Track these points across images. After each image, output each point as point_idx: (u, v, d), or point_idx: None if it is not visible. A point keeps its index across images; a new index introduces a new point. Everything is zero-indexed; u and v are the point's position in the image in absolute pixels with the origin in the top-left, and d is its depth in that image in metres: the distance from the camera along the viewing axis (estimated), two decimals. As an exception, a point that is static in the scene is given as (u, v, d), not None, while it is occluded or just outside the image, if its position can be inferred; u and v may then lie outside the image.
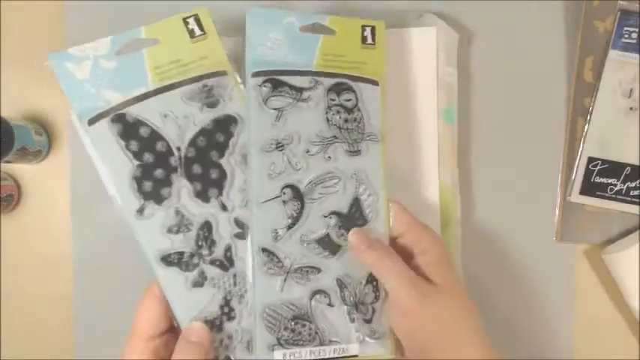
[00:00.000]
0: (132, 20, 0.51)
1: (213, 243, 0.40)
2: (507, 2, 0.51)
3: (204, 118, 0.41)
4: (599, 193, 0.49)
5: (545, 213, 0.51)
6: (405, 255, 0.41)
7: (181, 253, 0.40)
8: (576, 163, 0.50)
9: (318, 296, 0.41)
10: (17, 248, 0.52)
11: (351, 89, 0.42)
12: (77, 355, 0.52)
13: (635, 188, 0.49)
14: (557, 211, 0.51)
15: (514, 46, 0.51)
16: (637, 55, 0.48)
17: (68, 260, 0.52)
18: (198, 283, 0.40)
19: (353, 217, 0.42)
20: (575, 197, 0.50)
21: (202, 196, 0.40)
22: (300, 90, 0.41)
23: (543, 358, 0.51)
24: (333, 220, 0.41)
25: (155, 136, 0.40)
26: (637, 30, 0.48)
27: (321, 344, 0.40)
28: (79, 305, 0.52)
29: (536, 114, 0.51)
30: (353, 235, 0.41)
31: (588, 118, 0.49)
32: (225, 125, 0.41)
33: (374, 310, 0.41)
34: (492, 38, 0.51)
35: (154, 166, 0.40)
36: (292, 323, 0.40)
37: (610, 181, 0.49)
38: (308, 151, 0.41)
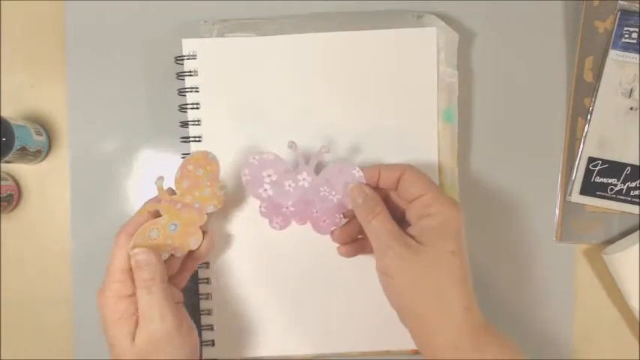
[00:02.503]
0: (132, 20, 0.52)
1: None
2: (507, 2, 0.51)
3: None
4: (599, 193, 0.49)
5: (545, 213, 0.51)
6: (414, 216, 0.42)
7: None
8: (576, 163, 0.50)
9: None
10: (17, 248, 0.52)
11: None
12: (77, 355, 0.52)
13: (635, 188, 0.49)
14: (557, 211, 0.51)
15: (514, 46, 0.51)
16: (637, 55, 0.48)
17: (68, 260, 0.52)
18: None
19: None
20: (576, 197, 0.50)
21: None
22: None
23: (543, 357, 0.51)
24: None
25: None
26: (637, 30, 0.48)
27: None
28: (79, 305, 0.52)
29: (536, 114, 0.51)
30: (353, 188, 0.43)
31: (588, 118, 0.49)
32: None
33: None
34: (492, 38, 0.51)
35: None
36: None
37: (610, 181, 0.49)
38: None
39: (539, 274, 0.51)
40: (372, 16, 0.50)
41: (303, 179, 0.45)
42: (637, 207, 0.49)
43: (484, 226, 0.51)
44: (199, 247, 0.45)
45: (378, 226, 0.41)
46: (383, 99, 0.49)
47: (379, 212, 0.42)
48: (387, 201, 0.44)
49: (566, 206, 0.50)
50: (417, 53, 0.49)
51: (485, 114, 0.51)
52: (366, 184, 0.44)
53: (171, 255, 0.44)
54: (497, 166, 0.51)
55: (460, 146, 0.50)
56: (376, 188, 0.44)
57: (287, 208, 0.46)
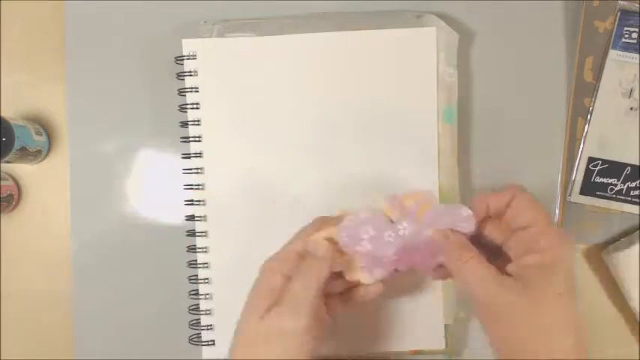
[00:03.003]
0: (132, 20, 0.52)
1: None
2: (507, 2, 0.51)
3: None
4: (599, 193, 0.49)
5: (545, 213, 0.51)
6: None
7: None
8: (576, 163, 0.50)
9: None
10: (17, 248, 0.52)
11: None
12: (77, 355, 0.52)
13: (635, 188, 0.49)
14: (557, 211, 0.51)
15: (514, 46, 0.51)
16: (637, 55, 0.48)
17: (67, 260, 0.52)
18: None
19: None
20: (576, 197, 0.50)
21: None
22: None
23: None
24: None
25: None
26: (637, 30, 0.48)
27: None
28: (79, 305, 0.52)
29: (536, 114, 0.51)
30: (434, 235, 0.40)
31: (588, 118, 0.49)
32: None
33: None
34: (492, 38, 0.51)
35: None
36: None
37: (610, 181, 0.49)
38: None
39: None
40: (372, 16, 0.50)
41: (404, 228, 0.41)
42: (637, 207, 0.49)
43: (484, 226, 0.51)
44: (369, 285, 0.42)
45: (469, 273, 0.37)
46: (383, 99, 0.49)
47: (468, 259, 0.38)
48: (485, 226, 0.40)
49: (566, 206, 0.50)
50: (417, 53, 0.49)
51: (485, 114, 0.51)
52: (450, 230, 0.40)
53: (339, 274, 0.42)
54: (497, 166, 0.51)
55: (460, 146, 0.50)
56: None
57: (388, 258, 0.42)
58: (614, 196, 0.49)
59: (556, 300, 0.36)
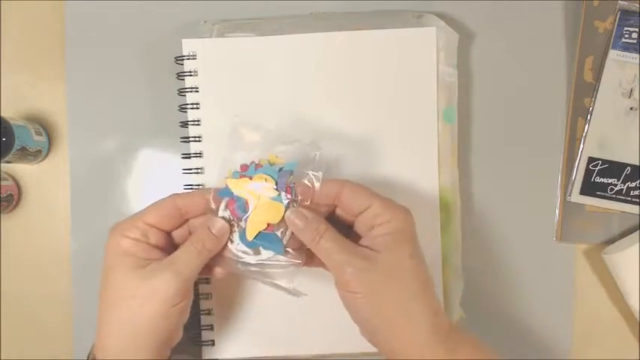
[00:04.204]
0: (132, 20, 0.52)
1: None
2: (507, 2, 0.51)
3: None
4: (599, 193, 0.49)
5: (545, 213, 0.51)
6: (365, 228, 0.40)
7: None
8: (576, 163, 0.50)
9: None
10: (17, 248, 0.52)
11: None
12: (77, 355, 0.52)
13: (635, 188, 0.49)
14: (557, 211, 0.51)
15: (514, 46, 0.51)
16: (637, 55, 0.48)
17: (68, 260, 0.52)
18: None
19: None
20: (576, 197, 0.50)
21: None
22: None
23: (543, 358, 0.51)
24: None
25: None
26: (637, 30, 0.48)
27: None
28: (79, 305, 0.52)
29: (536, 114, 0.51)
30: (290, 215, 0.40)
31: (588, 118, 0.49)
32: None
33: None
34: (492, 38, 0.51)
35: None
36: None
37: (610, 181, 0.49)
38: None
39: (539, 274, 0.51)
40: (372, 16, 0.50)
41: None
42: (637, 207, 0.49)
43: (484, 226, 0.51)
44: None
45: (327, 245, 0.39)
46: (383, 99, 0.49)
47: (325, 230, 0.39)
48: (331, 220, 0.41)
49: (566, 206, 0.50)
50: (417, 53, 0.49)
51: (485, 114, 0.51)
52: (304, 207, 0.41)
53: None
54: (497, 166, 0.51)
55: (460, 146, 0.50)
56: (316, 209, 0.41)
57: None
58: (614, 196, 0.49)
59: (408, 262, 0.38)
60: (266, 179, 0.41)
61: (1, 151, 0.47)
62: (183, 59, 0.49)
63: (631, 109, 0.49)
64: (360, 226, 0.41)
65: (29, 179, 0.52)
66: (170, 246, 0.42)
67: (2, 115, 0.48)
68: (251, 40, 0.49)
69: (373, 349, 0.50)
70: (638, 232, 0.49)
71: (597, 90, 0.49)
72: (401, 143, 0.49)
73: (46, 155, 0.52)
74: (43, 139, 0.51)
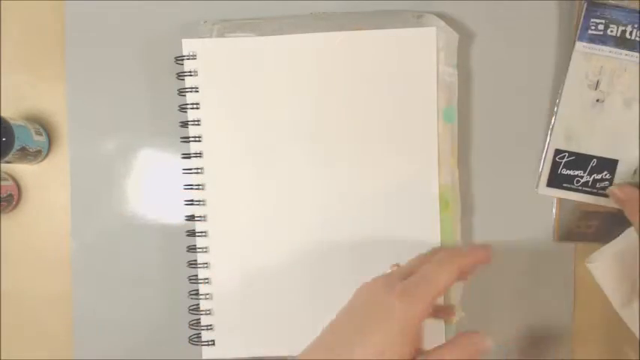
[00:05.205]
0: (132, 20, 0.52)
1: None
2: (507, 2, 0.51)
3: None
4: (565, 185, 0.49)
5: (545, 213, 0.51)
6: None
7: None
8: (543, 155, 0.49)
9: None
10: (17, 248, 0.52)
11: None
12: (77, 355, 0.52)
13: (601, 180, 0.48)
14: (554, 210, 0.51)
15: (514, 46, 0.51)
16: (603, 47, 0.48)
17: (68, 260, 0.52)
18: None
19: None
20: (543, 189, 0.49)
21: None
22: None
23: (543, 358, 0.51)
24: None
25: None
26: (603, 22, 0.48)
27: None
28: (79, 305, 0.52)
29: (536, 114, 0.51)
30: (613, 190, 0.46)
31: (555, 110, 0.49)
32: None
33: None
34: (492, 38, 0.51)
35: None
36: None
37: (576, 173, 0.49)
38: None
39: (538, 274, 0.51)
40: (372, 16, 0.50)
41: None
42: (603, 199, 0.49)
43: (484, 226, 0.51)
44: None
45: None
46: (383, 99, 0.49)
47: None
48: None
49: (565, 206, 0.50)
50: (417, 53, 0.49)
51: (485, 114, 0.51)
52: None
53: None
54: (498, 165, 0.51)
55: (460, 146, 0.50)
56: None
57: None
58: (580, 187, 0.49)
59: None
60: None
61: (1, 151, 0.47)
62: (183, 59, 0.49)
63: (597, 100, 0.49)
64: None
65: (29, 179, 0.52)
66: None
67: (2, 115, 0.48)
68: (251, 40, 0.49)
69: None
70: (617, 239, 0.48)
71: (564, 82, 0.49)
72: (401, 143, 0.49)
73: (46, 155, 0.52)
74: (43, 139, 0.51)
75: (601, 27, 0.48)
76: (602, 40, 0.48)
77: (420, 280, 0.38)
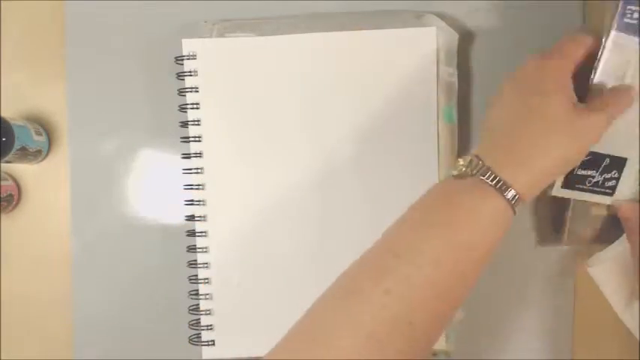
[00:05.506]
0: (132, 20, 0.52)
1: None
2: (507, 2, 0.51)
3: None
4: (578, 185, 0.47)
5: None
6: None
7: None
8: None
9: None
10: (17, 248, 0.52)
11: None
12: (77, 355, 0.52)
13: (610, 179, 0.47)
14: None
15: (514, 46, 0.51)
16: (637, 39, 0.45)
17: (68, 260, 0.52)
18: None
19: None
20: (557, 190, 0.48)
21: None
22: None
23: (543, 358, 0.51)
24: None
25: None
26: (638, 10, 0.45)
27: None
28: (79, 305, 0.52)
29: (536, 114, 0.51)
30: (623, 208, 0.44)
31: None
32: None
33: None
34: (492, 38, 0.51)
35: None
36: None
37: (589, 173, 0.47)
38: None
39: (539, 274, 0.51)
40: (372, 16, 0.50)
41: None
42: (608, 197, 0.47)
43: (484, 226, 0.51)
44: None
45: None
46: (383, 99, 0.49)
47: None
48: None
49: (573, 205, 0.49)
50: (417, 53, 0.49)
51: (485, 114, 0.51)
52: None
53: None
54: (497, 166, 0.51)
55: (460, 146, 0.50)
56: None
57: None
58: (591, 188, 0.47)
59: None
60: None
61: (1, 151, 0.47)
62: (183, 59, 0.49)
63: None
64: None
65: (29, 179, 0.52)
66: None
67: (2, 115, 0.48)
68: (251, 40, 0.49)
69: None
70: (617, 242, 0.48)
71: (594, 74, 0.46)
72: (401, 143, 0.49)
73: (46, 155, 0.52)
74: (43, 139, 0.51)
75: (636, 15, 0.44)
76: (634, 29, 0.44)
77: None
